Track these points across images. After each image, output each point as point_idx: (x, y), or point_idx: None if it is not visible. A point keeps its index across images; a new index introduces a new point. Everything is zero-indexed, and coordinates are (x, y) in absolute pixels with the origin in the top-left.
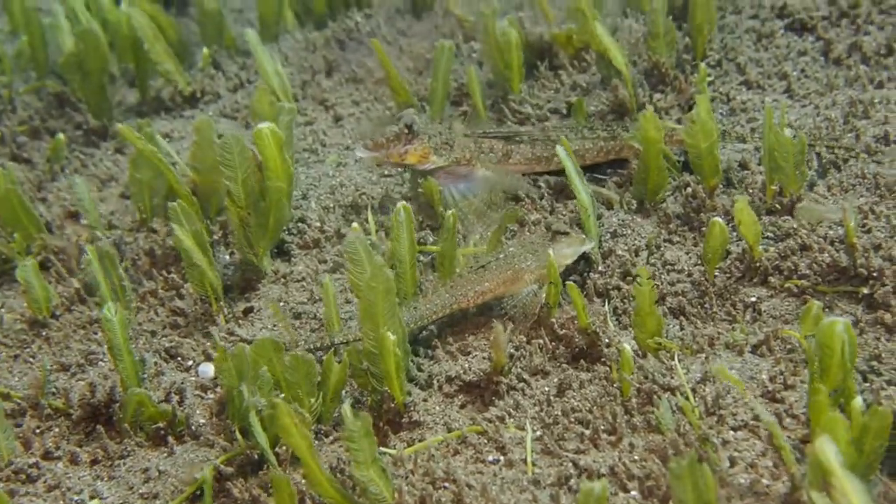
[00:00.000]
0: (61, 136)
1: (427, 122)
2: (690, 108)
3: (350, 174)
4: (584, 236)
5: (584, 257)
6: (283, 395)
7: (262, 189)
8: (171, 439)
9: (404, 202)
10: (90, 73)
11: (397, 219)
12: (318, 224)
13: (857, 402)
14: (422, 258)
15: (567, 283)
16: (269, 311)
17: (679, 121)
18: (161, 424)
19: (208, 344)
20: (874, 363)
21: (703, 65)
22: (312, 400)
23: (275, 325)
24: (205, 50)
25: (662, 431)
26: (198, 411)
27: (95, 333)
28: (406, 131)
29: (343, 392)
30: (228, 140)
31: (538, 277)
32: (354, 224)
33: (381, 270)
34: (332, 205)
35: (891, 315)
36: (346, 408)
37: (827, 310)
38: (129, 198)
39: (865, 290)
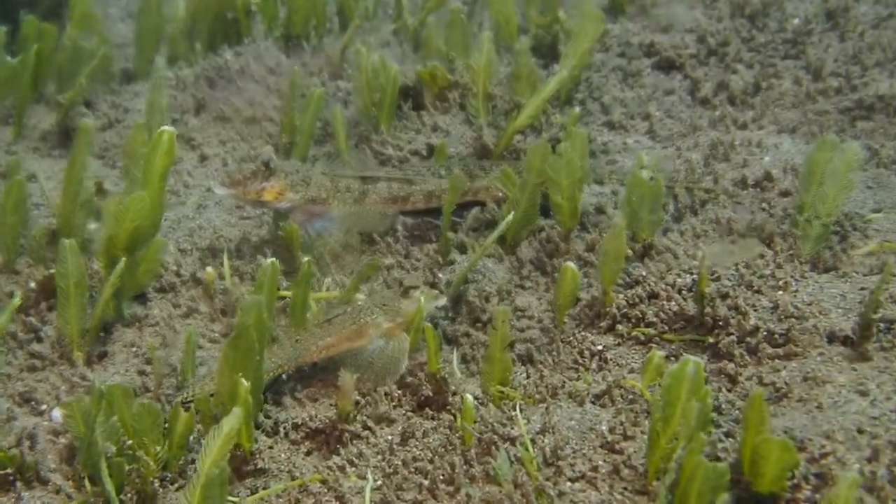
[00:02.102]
0: None
1: (285, 161)
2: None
3: (210, 216)
4: (436, 292)
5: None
6: (129, 441)
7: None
8: (19, 485)
9: (273, 260)
10: None
11: (265, 274)
12: (175, 268)
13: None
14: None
15: (426, 324)
16: (122, 356)
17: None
18: (10, 470)
19: (63, 388)
20: (713, 414)
21: (576, 109)
22: (158, 448)
23: (126, 371)
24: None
25: (500, 482)
26: (49, 456)
27: None
28: (263, 168)
29: (190, 438)
30: (136, 198)
31: (384, 332)
32: (209, 269)
33: (247, 330)
34: (189, 247)
35: (734, 365)
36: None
37: (672, 359)
38: None
39: (710, 339)
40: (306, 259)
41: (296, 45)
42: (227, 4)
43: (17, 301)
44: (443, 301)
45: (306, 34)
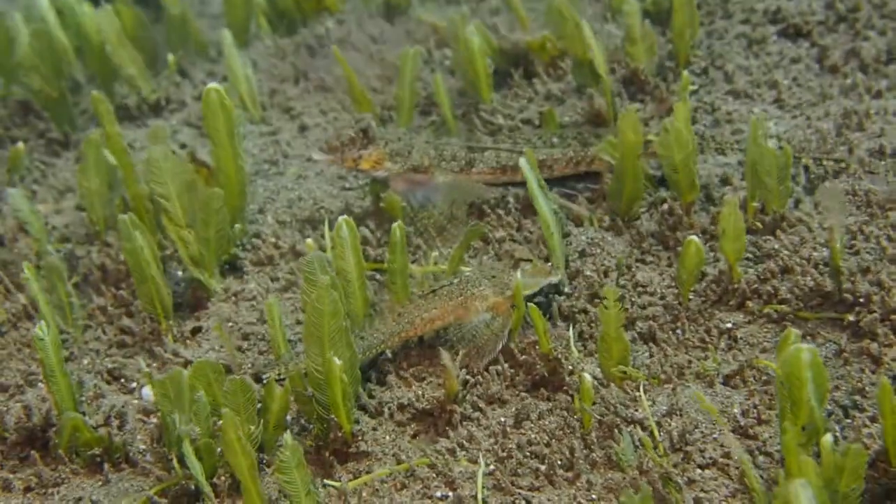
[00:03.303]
0: (21, 145)
1: (386, 128)
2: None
3: (310, 187)
4: (549, 266)
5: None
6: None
7: (205, 202)
8: (106, 467)
9: (346, 217)
10: (46, 75)
11: (340, 235)
12: (273, 240)
13: (827, 439)
14: (378, 277)
15: (529, 305)
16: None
17: (662, 126)
18: (97, 451)
19: (155, 365)
20: (857, 397)
21: (685, 73)
22: (253, 427)
23: (222, 347)
24: (170, 56)
25: (623, 469)
26: (139, 437)
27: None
28: (361, 135)
29: (288, 419)
30: (154, 154)
31: (491, 305)
32: (308, 240)
33: (327, 291)
34: (288, 219)
35: (877, 345)
36: (288, 436)
37: (808, 338)
38: (84, 210)
39: (851, 317)
40: (396, 224)
41: (401, 13)
42: None
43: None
44: (557, 277)
45: (407, 4)
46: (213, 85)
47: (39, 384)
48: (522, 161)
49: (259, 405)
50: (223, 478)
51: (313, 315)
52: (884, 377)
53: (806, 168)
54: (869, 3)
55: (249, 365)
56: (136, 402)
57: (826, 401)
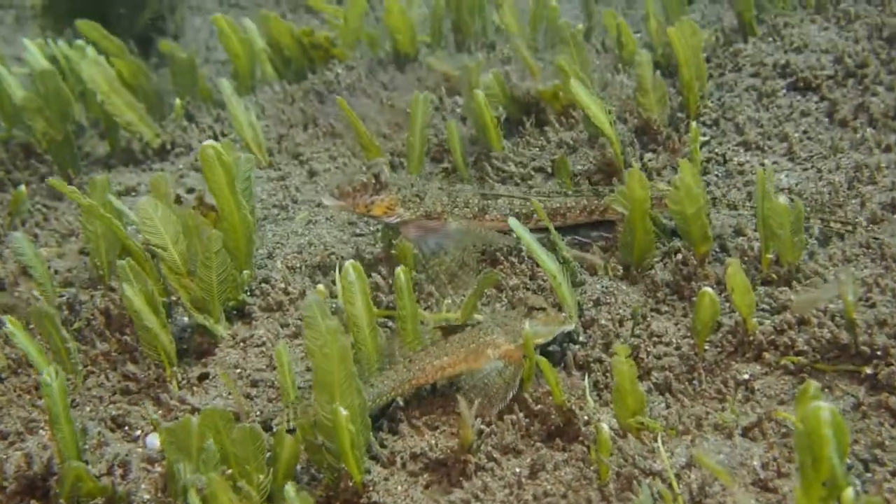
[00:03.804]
0: (23, 188)
1: (398, 174)
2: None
3: (320, 232)
4: (564, 316)
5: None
6: (230, 470)
7: (205, 246)
8: None
9: (353, 261)
10: (52, 118)
11: (347, 279)
12: (283, 285)
13: (849, 494)
14: (391, 324)
15: (539, 357)
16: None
17: (671, 182)
18: (100, 501)
19: (160, 412)
20: (877, 451)
21: (694, 124)
22: (261, 477)
23: (229, 394)
24: (177, 101)
25: None
26: (143, 486)
27: (40, 398)
28: (374, 181)
29: (298, 468)
30: (143, 205)
31: (503, 354)
32: (319, 286)
33: (335, 336)
34: (298, 265)
35: None
36: (290, 487)
37: (826, 390)
38: (88, 254)
39: (868, 370)
40: (399, 269)
41: (410, 60)
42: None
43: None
44: (571, 326)
45: (415, 53)
46: (209, 142)
47: (40, 431)
48: (512, 220)
49: (269, 453)
50: None
51: (321, 361)
52: None
53: (822, 219)
54: (877, 59)
55: (258, 412)
56: (140, 450)
57: (846, 455)
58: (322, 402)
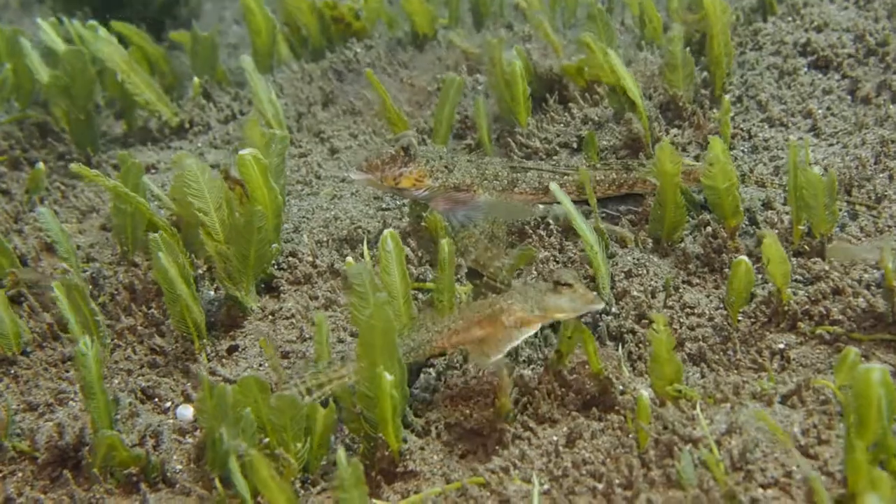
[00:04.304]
0: (41, 165)
1: (426, 146)
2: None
3: (345, 207)
4: (593, 295)
5: None
6: (267, 439)
7: (245, 219)
8: (143, 486)
9: (391, 230)
10: (76, 97)
11: (384, 249)
12: (310, 258)
13: None
14: (420, 295)
15: (581, 324)
16: (255, 350)
17: (697, 157)
18: (133, 470)
19: (188, 384)
20: None
21: (726, 97)
22: (299, 445)
23: (261, 365)
24: (195, 79)
25: (684, 487)
26: (174, 457)
27: (67, 371)
28: (402, 153)
29: (332, 438)
30: (191, 168)
31: (517, 320)
32: (349, 258)
33: (382, 308)
34: (325, 238)
35: None
36: (341, 453)
37: (863, 359)
38: (110, 230)
39: None
40: (444, 241)
41: (429, 39)
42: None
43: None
44: (599, 305)
45: (433, 32)
46: (248, 152)
47: (70, 403)
48: (553, 185)
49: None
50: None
51: (366, 331)
52: None
53: (847, 192)
54: None
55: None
56: (171, 421)
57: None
58: (364, 370)
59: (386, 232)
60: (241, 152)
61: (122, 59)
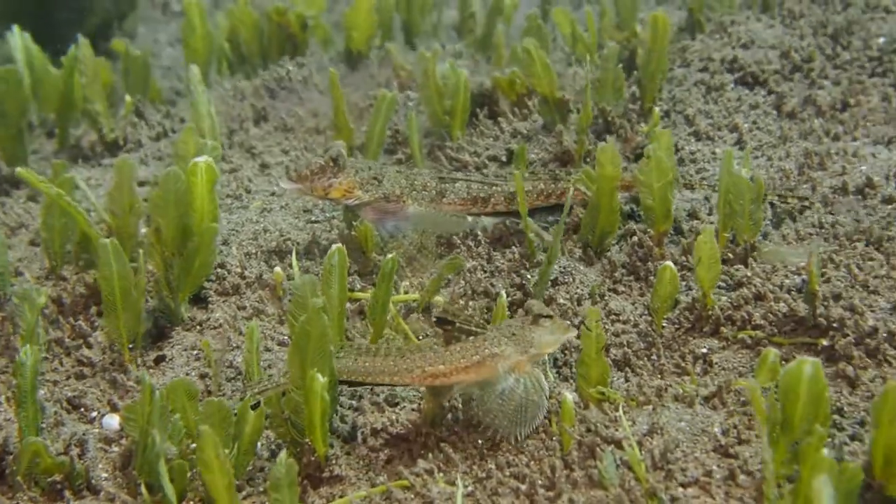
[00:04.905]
0: None
1: (355, 158)
2: (637, 159)
3: (275, 219)
4: (567, 324)
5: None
6: (194, 444)
7: (187, 231)
8: (68, 494)
9: (340, 245)
10: (8, 115)
11: (330, 262)
12: (239, 270)
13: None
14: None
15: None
16: (182, 359)
17: (625, 169)
18: (58, 478)
19: (115, 394)
20: (836, 417)
21: (656, 109)
22: (226, 451)
23: (187, 374)
24: (127, 97)
25: (605, 487)
26: (100, 465)
27: None
28: (332, 164)
29: (258, 444)
30: (171, 174)
31: (513, 366)
32: (277, 269)
33: (318, 314)
34: (254, 250)
35: (852, 367)
36: (283, 454)
37: (784, 363)
38: (38, 245)
39: (825, 342)
40: (390, 256)
41: (359, 59)
42: (281, 20)
43: (42, 300)
44: (573, 333)
45: (367, 50)
46: (202, 159)
47: None
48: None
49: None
50: (192, 502)
51: (300, 336)
52: (891, 381)
53: (772, 204)
54: (822, 55)
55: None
56: (96, 430)
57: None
58: (296, 374)
59: (334, 247)
60: (195, 159)
61: (93, 65)
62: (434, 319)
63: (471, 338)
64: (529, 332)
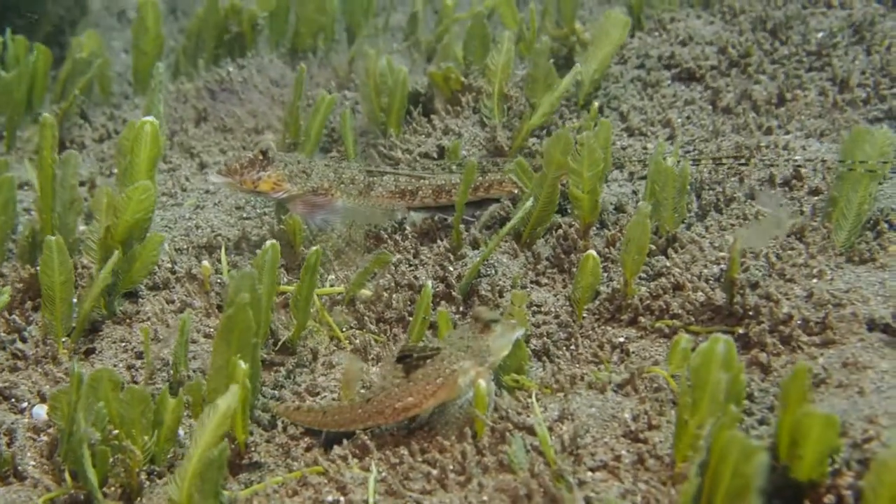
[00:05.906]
0: None
1: (285, 152)
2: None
3: (207, 216)
4: (514, 322)
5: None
6: (116, 431)
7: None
8: None
9: (274, 241)
10: None
11: (264, 258)
12: (169, 265)
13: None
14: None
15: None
16: (111, 352)
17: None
18: None
19: (46, 385)
20: (746, 402)
21: (595, 103)
22: (146, 438)
23: (115, 366)
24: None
25: (514, 471)
26: (28, 453)
27: None
28: (261, 157)
29: (179, 432)
30: (140, 186)
31: (472, 378)
32: (205, 262)
33: (244, 308)
34: (185, 246)
35: (766, 354)
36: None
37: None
38: None
39: (741, 330)
40: (314, 248)
41: (302, 57)
42: (232, 18)
43: (5, 298)
44: (521, 331)
45: (313, 48)
46: (148, 118)
47: None
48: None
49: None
50: (113, 488)
51: (225, 327)
52: (802, 362)
53: (698, 196)
54: (760, 50)
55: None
56: (25, 421)
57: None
58: (219, 363)
59: (268, 243)
60: (143, 118)
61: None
62: (395, 359)
63: (428, 361)
64: (483, 340)
